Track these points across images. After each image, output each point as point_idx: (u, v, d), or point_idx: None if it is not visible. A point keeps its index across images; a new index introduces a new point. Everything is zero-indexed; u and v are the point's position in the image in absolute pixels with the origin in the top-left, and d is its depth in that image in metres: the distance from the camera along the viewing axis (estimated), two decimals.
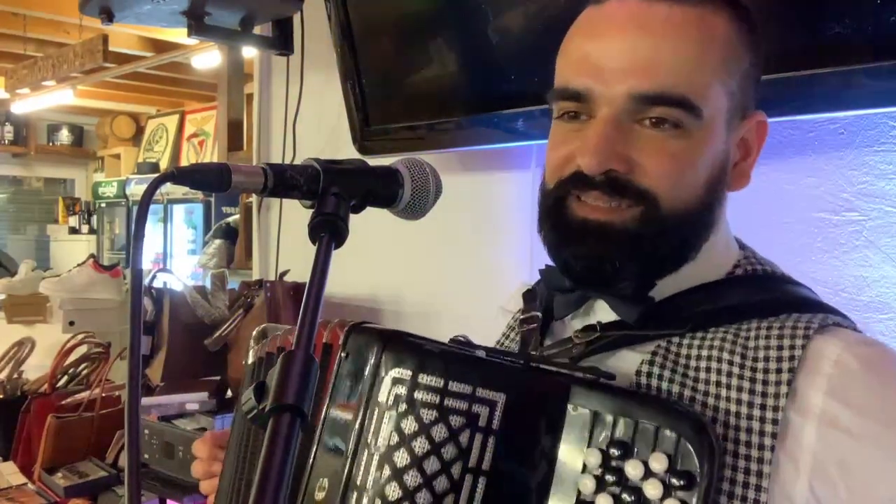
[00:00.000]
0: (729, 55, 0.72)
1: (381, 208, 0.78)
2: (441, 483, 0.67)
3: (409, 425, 0.69)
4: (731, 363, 0.69)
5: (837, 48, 1.10)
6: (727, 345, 0.70)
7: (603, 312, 0.79)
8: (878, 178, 1.24)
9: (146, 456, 1.91)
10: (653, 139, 0.70)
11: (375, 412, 0.71)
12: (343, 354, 0.75)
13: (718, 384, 0.69)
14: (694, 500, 0.61)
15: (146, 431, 1.92)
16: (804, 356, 0.67)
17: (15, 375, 2.56)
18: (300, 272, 2.19)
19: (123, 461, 0.88)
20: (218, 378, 2.14)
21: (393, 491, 0.68)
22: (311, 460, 0.74)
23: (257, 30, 2.06)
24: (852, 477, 0.64)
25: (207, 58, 3.60)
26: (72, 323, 2.72)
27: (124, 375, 0.62)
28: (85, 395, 2.28)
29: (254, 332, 0.94)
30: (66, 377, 2.54)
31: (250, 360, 0.91)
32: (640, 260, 0.72)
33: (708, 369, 0.70)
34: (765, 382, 0.67)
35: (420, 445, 0.68)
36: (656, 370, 0.72)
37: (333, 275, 0.65)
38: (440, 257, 1.96)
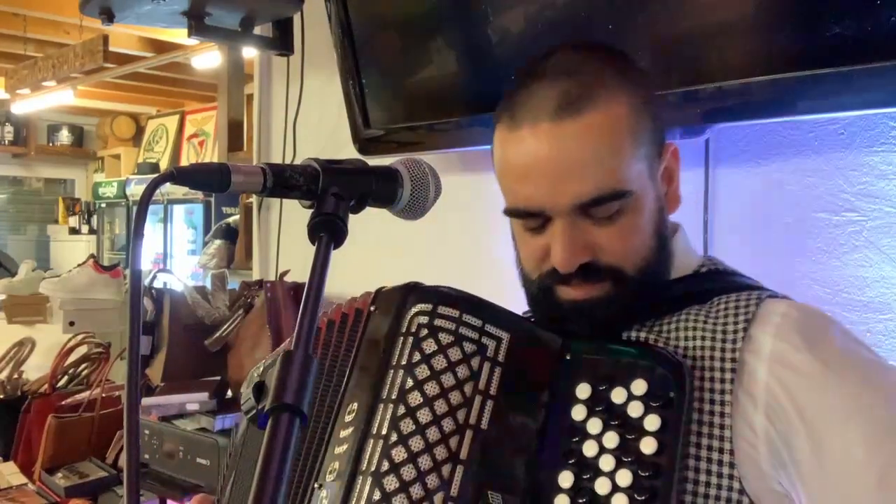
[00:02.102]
0: (636, 132, 0.83)
1: (381, 208, 0.78)
2: (455, 397, 0.76)
3: (429, 346, 0.78)
4: (696, 321, 0.82)
5: (837, 48, 1.10)
6: (693, 312, 0.83)
7: None
8: (878, 179, 1.24)
9: (146, 456, 1.91)
10: (603, 225, 0.83)
11: (401, 339, 0.80)
12: (372, 308, 0.86)
13: (687, 338, 0.82)
14: (672, 416, 0.73)
15: (146, 431, 1.92)
16: (757, 312, 0.80)
17: (15, 375, 2.56)
18: (300, 272, 2.19)
19: (123, 461, 0.88)
20: (218, 378, 2.13)
21: (415, 399, 0.76)
22: (343, 388, 0.82)
23: (257, 30, 2.06)
24: (802, 406, 0.75)
25: (207, 58, 3.60)
26: (72, 323, 2.72)
27: (124, 375, 0.62)
28: (85, 395, 2.29)
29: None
30: (66, 377, 2.54)
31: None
32: (629, 313, 0.85)
33: (678, 329, 0.83)
34: (724, 332, 0.80)
35: (438, 363, 0.77)
36: (634, 334, 0.85)
37: (333, 275, 0.65)
38: (440, 257, 1.95)
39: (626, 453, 0.73)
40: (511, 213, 0.87)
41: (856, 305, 1.24)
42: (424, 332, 0.79)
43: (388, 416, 0.76)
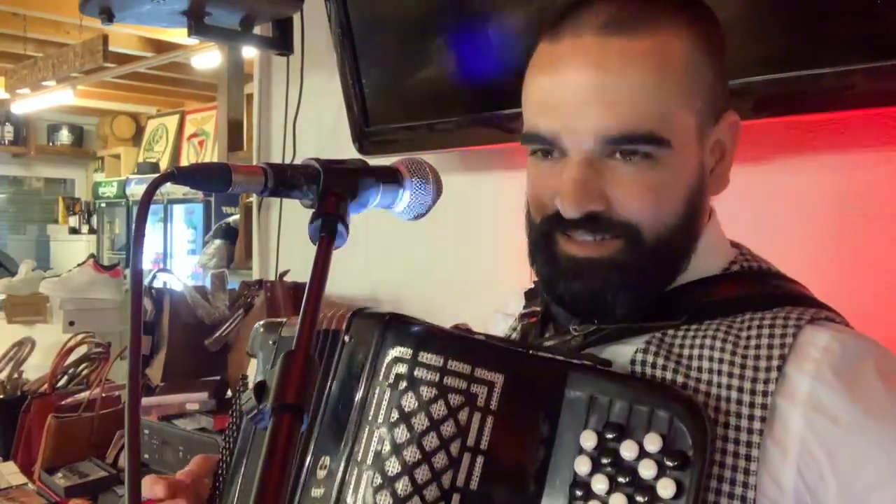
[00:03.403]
0: (692, 76, 0.72)
1: (381, 208, 0.78)
2: (440, 460, 0.67)
3: (409, 402, 0.70)
4: (723, 351, 0.70)
5: (837, 48, 1.10)
6: (720, 335, 0.71)
7: None
8: (878, 178, 1.24)
9: (146, 456, 1.91)
10: (625, 173, 0.71)
11: (377, 390, 0.72)
12: (347, 338, 0.77)
13: (710, 371, 0.70)
14: (688, 480, 0.62)
15: (146, 431, 1.92)
16: (794, 344, 0.68)
17: (15, 375, 2.56)
18: (300, 272, 2.19)
19: (123, 461, 0.88)
20: (218, 378, 2.13)
21: (392, 466, 0.68)
22: (313, 440, 0.75)
23: (257, 30, 2.06)
24: (838, 462, 0.65)
25: (207, 58, 3.60)
26: (72, 323, 2.72)
27: (124, 375, 0.62)
28: (85, 395, 2.28)
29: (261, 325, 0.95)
30: (66, 377, 2.53)
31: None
32: (632, 288, 0.74)
33: (700, 357, 0.71)
34: (755, 369, 0.68)
35: (419, 422, 0.69)
36: (650, 358, 0.72)
37: (333, 275, 0.65)
38: (440, 257, 1.95)
39: None
40: (525, 138, 0.76)
41: (856, 307, 1.24)
42: (404, 384, 0.70)
43: (362, 487, 0.69)
